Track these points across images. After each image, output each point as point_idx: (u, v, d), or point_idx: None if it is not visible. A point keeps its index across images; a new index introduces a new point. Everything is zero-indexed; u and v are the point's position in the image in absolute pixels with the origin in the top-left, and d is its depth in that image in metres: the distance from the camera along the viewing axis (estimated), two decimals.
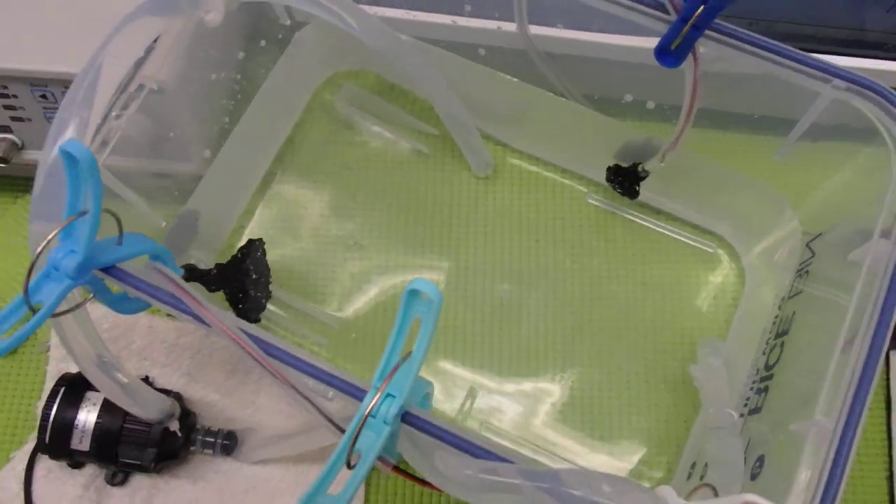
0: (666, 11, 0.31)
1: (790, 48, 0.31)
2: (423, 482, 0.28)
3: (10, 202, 0.51)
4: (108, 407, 0.41)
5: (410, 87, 0.49)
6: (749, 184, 0.41)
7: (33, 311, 0.27)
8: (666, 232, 0.47)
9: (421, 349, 0.25)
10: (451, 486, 0.26)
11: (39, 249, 0.27)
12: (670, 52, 0.32)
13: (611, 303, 0.46)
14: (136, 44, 0.30)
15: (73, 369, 0.44)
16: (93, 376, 0.33)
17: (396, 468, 0.28)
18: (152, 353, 0.47)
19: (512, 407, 0.43)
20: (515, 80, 0.43)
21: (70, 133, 0.28)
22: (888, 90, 0.30)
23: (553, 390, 0.43)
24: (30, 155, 0.46)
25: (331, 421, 0.27)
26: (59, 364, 0.47)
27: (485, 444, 0.26)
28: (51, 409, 0.41)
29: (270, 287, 0.44)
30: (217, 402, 0.45)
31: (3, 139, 0.45)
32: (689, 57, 0.32)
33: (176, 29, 0.32)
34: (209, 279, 0.40)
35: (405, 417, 0.27)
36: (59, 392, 0.42)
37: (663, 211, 0.47)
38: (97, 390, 0.42)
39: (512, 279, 0.46)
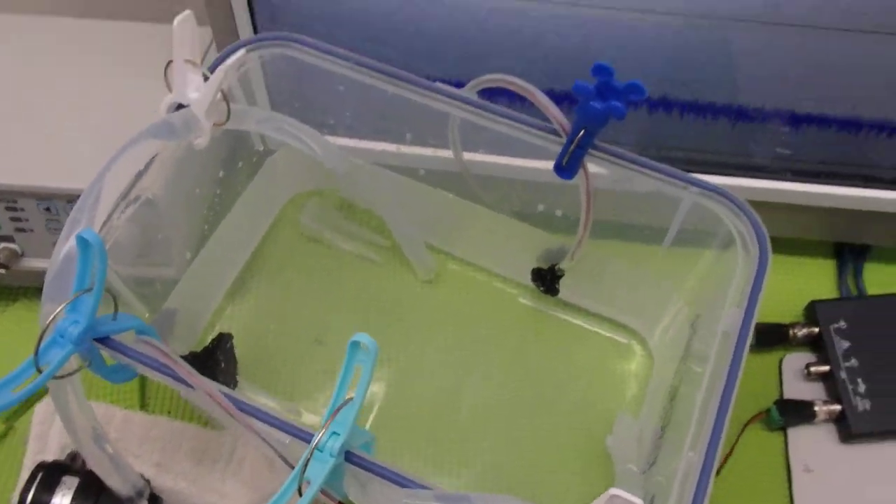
0: (559, 135, 0.40)
1: (655, 162, 0.39)
2: None
3: (1, 311, 0.56)
4: (81, 490, 0.44)
5: (364, 204, 0.56)
6: (644, 277, 0.48)
7: (40, 371, 0.32)
8: (587, 326, 0.54)
9: (360, 392, 0.31)
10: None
11: (49, 320, 0.33)
12: (564, 168, 0.40)
13: (541, 388, 0.52)
14: (139, 160, 0.37)
15: (49, 460, 0.48)
16: (84, 445, 0.38)
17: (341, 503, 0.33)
18: (126, 444, 0.51)
19: (450, 481, 0.48)
20: (451, 195, 0.51)
21: (83, 227, 0.34)
22: (731, 194, 0.39)
23: (488, 463, 0.48)
24: (29, 263, 0.52)
25: (286, 461, 0.33)
26: (36, 456, 0.50)
27: (409, 475, 0.32)
28: (28, 493, 0.44)
29: (238, 377, 0.49)
30: (184, 489, 0.49)
31: (5, 248, 0.51)
32: (581, 171, 0.41)
33: (171, 149, 0.40)
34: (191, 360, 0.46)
35: (348, 457, 0.32)
36: (36, 476, 0.45)
37: (583, 309, 0.54)
38: (73, 475, 0.46)
39: (454, 369, 0.52)
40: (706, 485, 0.31)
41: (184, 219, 0.45)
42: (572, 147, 0.39)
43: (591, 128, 0.37)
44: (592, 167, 0.41)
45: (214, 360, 0.47)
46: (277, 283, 0.54)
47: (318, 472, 0.30)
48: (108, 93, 0.52)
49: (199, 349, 0.48)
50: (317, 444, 0.30)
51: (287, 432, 0.33)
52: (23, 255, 0.52)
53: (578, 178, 0.41)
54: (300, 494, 0.30)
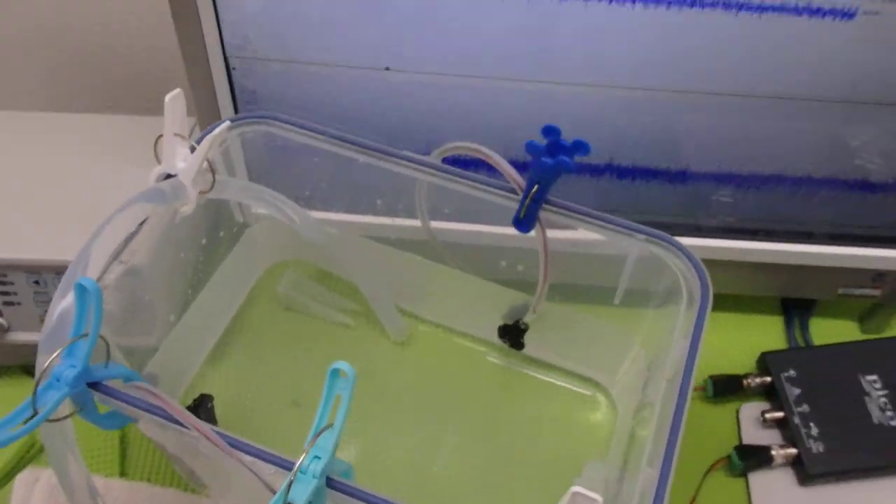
0: (516, 192, 0.44)
1: (602, 213, 0.44)
2: None
3: None
4: None
5: (338, 272, 0.60)
6: (602, 329, 0.52)
7: (36, 413, 0.34)
8: (553, 381, 0.57)
9: (340, 418, 0.33)
10: None
11: (46, 365, 0.35)
12: (521, 221, 0.44)
13: (512, 443, 0.54)
14: (131, 222, 0.41)
15: None
16: (78, 496, 0.39)
17: None
18: None
19: None
20: (420, 258, 0.54)
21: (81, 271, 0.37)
22: (672, 238, 0.43)
23: None
24: (15, 336, 0.54)
25: (272, 490, 0.35)
26: None
27: (388, 497, 0.34)
28: None
29: None
30: None
31: None
32: (538, 225, 0.45)
33: (158, 215, 0.43)
34: None
35: (329, 483, 0.34)
36: None
37: (549, 363, 0.57)
38: None
39: (427, 426, 0.54)
40: (663, 494, 0.33)
41: (169, 282, 0.48)
42: (527, 201, 0.43)
43: (544, 182, 0.42)
44: (552, 233, 0.45)
45: (201, 409, 0.49)
46: (256, 348, 0.57)
47: (301, 494, 0.32)
48: (93, 176, 0.56)
49: None
50: (299, 466, 0.33)
51: (272, 462, 0.35)
52: (9, 329, 0.54)
53: (535, 231, 0.45)
54: None
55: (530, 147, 0.41)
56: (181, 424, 0.36)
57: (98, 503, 0.41)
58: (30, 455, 0.54)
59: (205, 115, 0.52)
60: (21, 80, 0.73)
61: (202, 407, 0.50)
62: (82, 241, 0.40)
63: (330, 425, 0.34)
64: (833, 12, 0.45)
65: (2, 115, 0.62)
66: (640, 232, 0.43)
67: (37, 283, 0.51)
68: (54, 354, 0.35)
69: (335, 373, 0.33)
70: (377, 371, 0.57)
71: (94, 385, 0.37)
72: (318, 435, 0.33)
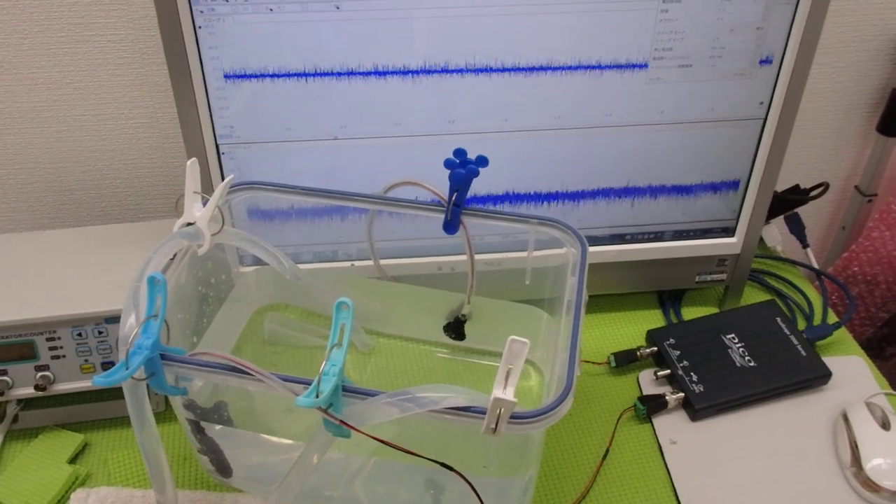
0: (443, 205, 0.62)
1: (509, 212, 0.62)
2: (351, 426, 0.48)
3: (42, 429, 0.69)
4: None
5: (312, 308, 0.75)
6: (520, 308, 0.68)
7: (128, 368, 0.48)
8: (490, 363, 0.72)
9: (346, 339, 0.48)
10: (364, 418, 0.48)
11: (131, 338, 0.49)
12: (449, 224, 0.62)
13: None
14: (169, 253, 0.56)
15: None
16: (148, 439, 0.51)
17: (342, 422, 0.49)
18: None
19: None
20: (374, 280, 0.71)
21: (143, 288, 0.51)
22: (555, 218, 0.61)
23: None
24: (60, 386, 0.66)
25: None
26: None
27: (375, 390, 0.48)
28: None
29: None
30: None
31: (42, 375, 0.66)
32: (461, 226, 0.62)
33: (181, 254, 0.58)
34: (202, 412, 0.60)
35: (343, 388, 0.49)
36: None
37: (486, 349, 0.73)
38: None
39: None
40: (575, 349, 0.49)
41: (190, 309, 0.63)
42: (450, 205, 0.61)
43: (461, 188, 0.60)
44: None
45: (219, 411, 0.62)
46: None
47: (325, 387, 0.47)
48: (115, 257, 0.71)
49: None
50: (322, 369, 0.47)
51: (304, 383, 0.49)
52: (54, 381, 0.66)
53: (461, 232, 0.63)
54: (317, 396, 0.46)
55: (448, 163, 0.59)
56: (241, 371, 0.50)
57: (160, 443, 0.53)
58: (77, 483, 0.65)
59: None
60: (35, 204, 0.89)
61: (220, 409, 0.63)
62: (114, 296, 0.55)
63: (338, 344, 0.49)
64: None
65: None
66: (534, 218, 0.61)
67: (79, 335, 0.65)
68: (135, 331, 0.49)
69: (339, 306, 0.49)
70: (348, 374, 0.71)
71: (164, 357, 0.51)
72: (331, 350, 0.48)
